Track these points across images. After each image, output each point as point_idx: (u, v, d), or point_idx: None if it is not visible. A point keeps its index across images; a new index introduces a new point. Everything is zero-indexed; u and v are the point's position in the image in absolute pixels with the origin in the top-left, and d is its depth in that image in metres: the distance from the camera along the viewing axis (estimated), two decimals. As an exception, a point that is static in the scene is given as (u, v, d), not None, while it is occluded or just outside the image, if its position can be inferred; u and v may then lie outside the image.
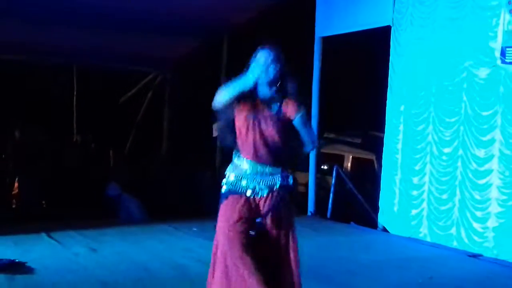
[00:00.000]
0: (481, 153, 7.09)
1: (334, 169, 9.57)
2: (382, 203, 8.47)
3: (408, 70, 8.18)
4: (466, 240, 7.18)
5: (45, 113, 12.67)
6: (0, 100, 12.14)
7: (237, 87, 3.45)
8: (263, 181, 3.49)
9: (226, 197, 3.56)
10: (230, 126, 3.61)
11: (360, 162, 11.25)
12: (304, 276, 3.55)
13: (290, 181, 3.54)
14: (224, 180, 3.64)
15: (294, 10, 10.28)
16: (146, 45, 11.14)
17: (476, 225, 7.09)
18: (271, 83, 3.49)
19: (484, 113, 7.08)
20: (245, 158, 3.52)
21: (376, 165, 10.62)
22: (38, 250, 6.35)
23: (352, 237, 7.97)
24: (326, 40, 9.60)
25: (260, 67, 3.46)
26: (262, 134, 3.48)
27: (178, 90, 13.25)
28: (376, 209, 8.61)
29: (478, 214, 7.07)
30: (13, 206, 9.38)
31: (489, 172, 6.98)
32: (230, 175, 3.60)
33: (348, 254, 6.77)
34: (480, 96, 7.15)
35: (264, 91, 3.51)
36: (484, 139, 7.06)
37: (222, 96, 3.49)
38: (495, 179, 6.92)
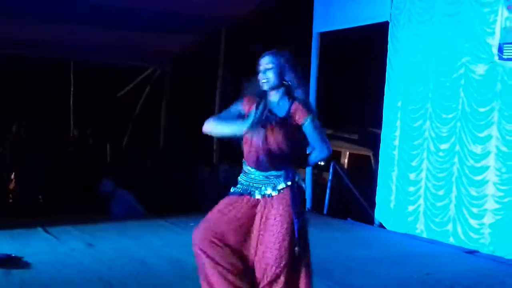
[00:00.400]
0: (477, 149, 7.10)
1: (331, 165, 9.56)
2: (378, 199, 8.48)
3: (405, 66, 8.17)
4: (462, 237, 7.19)
5: (42, 108, 12.64)
6: (-2, 95, 12.13)
7: (230, 129, 3.38)
8: (268, 184, 3.46)
9: (229, 196, 3.56)
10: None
11: (357, 158, 11.22)
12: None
13: (298, 181, 3.50)
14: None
15: (291, 5, 10.27)
16: (144, 39, 11.13)
17: (472, 222, 7.10)
18: (273, 88, 3.45)
19: (481, 110, 7.08)
20: (249, 166, 3.51)
21: (373, 161, 10.60)
22: (34, 245, 6.35)
23: (349, 233, 7.96)
24: (324, 35, 9.59)
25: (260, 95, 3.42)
26: (266, 141, 3.42)
27: (176, 85, 13.24)
28: (372, 205, 8.61)
29: (475, 210, 7.07)
30: (10, 201, 9.36)
31: (485, 168, 6.98)
32: (239, 181, 3.58)
33: (344, 250, 6.77)
34: (477, 93, 7.16)
35: (271, 97, 3.48)
36: (481, 135, 7.07)
37: (213, 129, 3.44)
38: (491, 176, 6.92)
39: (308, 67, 9.59)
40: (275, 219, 3.40)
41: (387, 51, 8.46)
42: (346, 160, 11.42)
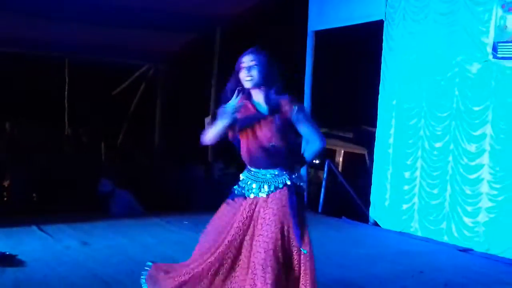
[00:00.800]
0: (472, 148, 7.11)
1: (326, 163, 9.57)
2: (373, 197, 8.49)
3: (400, 64, 8.18)
4: (456, 235, 7.21)
5: (37, 107, 12.59)
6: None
7: (220, 125, 3.39)
8: (265, 183, 3.44)
9: (231, 198, 3.52)
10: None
11: (352, 157, 11.24)
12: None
13: (296, 180, 3.47)
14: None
15: (287, 3, 10.26)
16: (138, 37, 11.09)
17: (466, 220, 7.12)
18: (257, 86, 3.45)
19: (476, 108, 7.10)
20: (247, 164, 3.52)
21: (367, 160, 10.63)
22: (29, 243, 6.33)
23: (344, 231, 7.97)
24: (319, 34, 9.59)
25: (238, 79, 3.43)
26: (256, 139, 3.43)
27: (170, 83, 13.20)
28: (367, 203, 8.62)
29: (469, 208, 7.09)
30: (4, 199, 9.33)
31: (480, 167, 7.00)
32: (240, 178, 3.57)
33: (339, 248, 6.79)
34: (472, 91, 7.17)
35: (256, 95, 3.48)
36: (475, 134, 7.08)
37: (207, 138, 3.44)
38: (486, 174, 6.94)
39: (303, 65, 9.60)
40: (269, 219, 3.36)
41: (382, 50, 8.47)
42: (341, 159, 11.43)
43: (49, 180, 9.25)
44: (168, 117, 13.34)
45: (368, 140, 9.94)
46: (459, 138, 7.26)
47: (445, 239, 7.33)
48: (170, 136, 13.02)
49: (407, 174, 7.95)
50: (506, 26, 6.77)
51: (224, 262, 3.40)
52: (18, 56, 11.83)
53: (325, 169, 9.53)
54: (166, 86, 13.33)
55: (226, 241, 3.39)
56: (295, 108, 3.41)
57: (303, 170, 3.52)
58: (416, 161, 7.82)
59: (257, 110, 3.46)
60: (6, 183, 9.38)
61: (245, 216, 3.42)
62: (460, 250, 6.90)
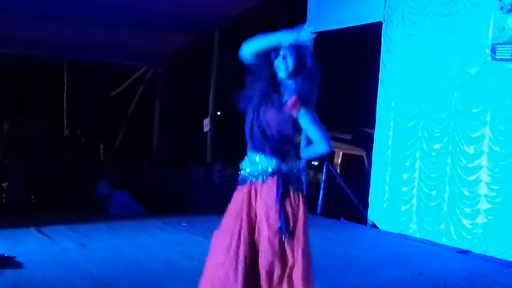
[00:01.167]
0: (470, 149, 7.11)
1: (325, 165, 9.57)
2: (372, 199, 8.48)
3: (399, 66, 8.17)
4: (455, 236, 7.20)
5: (36, 107, 12.58)
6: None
7: (272, 41, 3.36)
8: (259, 166, 3.44)
9: (236, 188, 3.53)
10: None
11: (351, 158, 11.24)
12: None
13: (291, 168, 3.44)
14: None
15: (285, 5, 10.26)
16: (137, 39, 11.09)
17: (465, 222, 7.11)
18: (290, 76, 3.41)
19: (474, 110, 7.09)
20: (248, 146, 3.51)
21: (366, 161, 10.62)
22: (27, 244, 6.31)
23: (342, 233, 7.97)
24: (317, 35, 9.56)
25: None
26: (259, 119, 3.42)
27: (169, 84, 13.21)
28: (366, 205, 8.62)
29: (467, 210, 7.08)
30: (3, 200, 9.32)
31: (478, 168, 6.99)
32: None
33: (338, 250, 6.78)
34: (470, 93, 7.17)
35: (280, 75, 3.42)
36: (474, 135, 7.08)
37: (252, 45, 3.37)
38: (484, 176, 6.93)
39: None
40: (263, 211, 3.37)
41: (380, 52, 8.46)
42: (339, 160, 11.44)
43: (47, 181, 9.25)
44: (167, 119, 13.34)
45: (366, 142, 9.94)
46: (458, 140, 7.25)
47: (444, 240, 7.32)
48: (168, 138, 13.03)
49: (405, 176, 7.95)
50: (504, 28, 6.77)
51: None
52: (16, 56, 11.82)
53: (324, 170, 9.53)
54: (164, 87, 13.34)
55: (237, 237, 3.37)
56: (303, 109, 3.38)
57: (300, 163, 3.48)
58: (415, 162, 7.81)
59: (272, 93, 3.43)
60: (4, 184, 9.37)
61: (246, 204, 3.42)
62: (458, 252, 6.90)
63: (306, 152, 3.50)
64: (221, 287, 3.31)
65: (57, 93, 13.72)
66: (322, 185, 9.48)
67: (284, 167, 3.41)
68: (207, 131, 11.18)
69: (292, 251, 3.34)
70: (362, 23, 8.74)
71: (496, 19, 6.84)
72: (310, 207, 9.46)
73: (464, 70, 7.24)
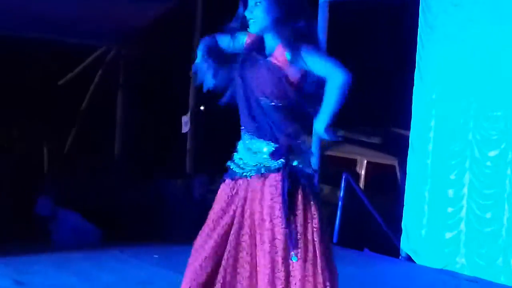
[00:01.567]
0: (538, 157, 7.12)
1: (343, 178, 9.56)
2: (406, 223, 8.49)
3: (442, 47, 8.18)
4: (517, 274, 7.21)
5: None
6: None
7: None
8: (253, 158, 3.56)
9: (223, 181, 3.72)
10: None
11: (378, 169, 11.27)
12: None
13: (300, 163, 3.55)
14: None
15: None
16: (94, 8, 11.05)
17: (531, 254, 7.12)
18: (263, 30, 3.58)
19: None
20: (241, 127, 3.65)
21: (398, 173, 10.64)
22: None
23: (366, 268, 8.00)
24: (334, 7, 9.56)
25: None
26: (248, 88, 3.55)
27: (136, 70, 13.18)
28: (398, 231, 8.64)
29: (534, 239, 7.09)
30: None
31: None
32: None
33: (360, 290, 6.75)
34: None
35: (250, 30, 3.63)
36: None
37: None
38: (556, 193, 6.94)
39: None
40: (263, 218, 3.45)
41: (417, 27, 8.47)
42: (363, 171, 11.45)
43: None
44: (133, 115, 13.32)
45: (399, 147, 9.94)
46: (521, 145, 7.27)
47: (502, 280, 7.31)
48: (135, 140, 13.01)
49: (451, 192, 7.96)
50: None
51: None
52: None
53: (342, 185, 9.50)
54: (130, 74, 13.31)
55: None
56: (293, 52, 3.46)
57: (313, 147, 3.64)
58: (463, 175, 7.83)
59: (260, 53, 3.58)
60: None
61: (233, 208, 3.57)
62: (521, 295, 6.89)
63: (329, 98, 3.47)
64: None
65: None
66: (339, 204, 9.47)
67: (292, 158, 3.52)
68: (186, 132, 11.15)
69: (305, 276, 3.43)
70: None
71: None
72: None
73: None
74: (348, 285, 6.92)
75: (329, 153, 11.48)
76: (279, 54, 3.52)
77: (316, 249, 3.50)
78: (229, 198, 3.60)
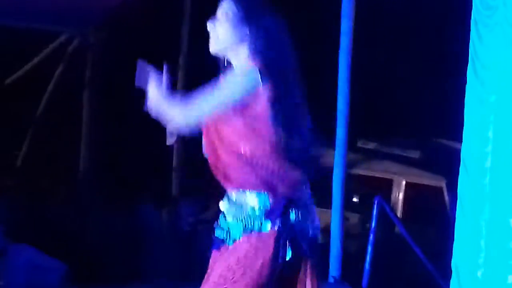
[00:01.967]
0: None
1: (375, 203, 9.52)
2: (457, 262, 8.45)
3: (504, 34, 8.16)
4: None
5: None
6: None
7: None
8: (232, 217, 3.64)
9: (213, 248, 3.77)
10: None
11: (420, 192, 11.28)
12: None
13: (292, 217, 3.58)
14: None
15: None
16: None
17: None
18: (225, 51, 3.89)
19: None
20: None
21: (447, 197, 10.63)
22: None
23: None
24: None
25: None
26: (217, 131, 3.72)
27: (108, 64, 13.20)
28: (446, 272, 8.60)
29: None
30: None
31: None
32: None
33: None
34: None
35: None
36: None
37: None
38: None
39: (337, 42, 9.58)
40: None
41: (471, 10, 8.47)
42: (400, 195, 11.46)
43: None
44: (104, 123, 13.33)
45: (447, 164, 9.93)
46: None
47: None
48: (107, 155, 13.01)
49: (515, 223, 7.94)
50: None
51: None
52: None
53: (374, 212, 9.47)
54: (99, 68, 13.33)
55: None
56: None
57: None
58: (532, 200, 7.80)
59: None
60: None
61: None
62: None
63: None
64: None
65: None
66: (370, 238, 9.43)
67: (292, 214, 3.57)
68: (172, 144, 11.16)
69: None
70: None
71: None
72: (350, 275, 9.46)
73: None
74: None
75: (357, 171, 11.49)
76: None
77: None
78: None
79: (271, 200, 3.54)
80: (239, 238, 3.55)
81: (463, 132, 8.55)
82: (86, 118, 13.51)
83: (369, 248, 9.44)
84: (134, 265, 9.13)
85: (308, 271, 3.58)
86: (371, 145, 12.27)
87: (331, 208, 9.67)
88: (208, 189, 9.90)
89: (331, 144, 9.01)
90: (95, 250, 9.19)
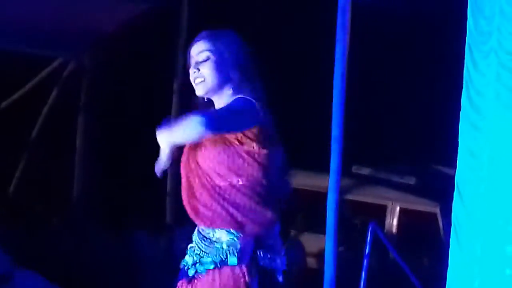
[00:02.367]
0: None
1: (369, 229, 9.47)
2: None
3: (499, 59, 8.11)
4: None
5: None
6: None
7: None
8: (201, 250, 3.71)
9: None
10: None
11: (414, 218, 11.27)
12: None
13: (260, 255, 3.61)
14: None
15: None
16: (47, 10, 11.06)
17: None
18: (214, 91, 3.82)
19: None
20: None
21: (441, 223, 10.60)
22: None
23: None
24: (358, 5, 9.55)
25: None
26: (195, 160, 3.82)
27: (102, 87, 13.18)
28: (441, 299, 8.53)
29: None
30: None
31: None
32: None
33: None
34: None
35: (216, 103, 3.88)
36: None
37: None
38: None
39: (330, 55, 9.53)
40: None
41: (465, 35, 8.42)
42: (394, 221, 11.47)
43: None
44: (98, 147, 13.30)
45: (441, 190, 9.93)
46: None
47: None
48: (101, 181, 12.97)
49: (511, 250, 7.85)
50: None
51: None
52: None
53: (368, 239, 9.42)
54: (94, 92, 13.31)
55: None
56: None
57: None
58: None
59: None
60: None
61: None
62: None
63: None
64: None
65: None
66: (364, 263, 9.39)
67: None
68: (165, 168, 11.12)
69: None
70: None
71: None
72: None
73: None
74: None
75: (350, 197, 11.49)
76: None
77: None
78: None
79: (240, 239, 3.56)
80: (205, 272, 3.61)
81: (457, 158, 8.49)
82: (80, 143, 13.51)
83: (363, 274, 9.41)
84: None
85: None
86: (365, 171, 12.25)
87: (324, 234, 9.62)
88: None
89: (325, 169, 8.97)
90: (89, 276, 9.14)
